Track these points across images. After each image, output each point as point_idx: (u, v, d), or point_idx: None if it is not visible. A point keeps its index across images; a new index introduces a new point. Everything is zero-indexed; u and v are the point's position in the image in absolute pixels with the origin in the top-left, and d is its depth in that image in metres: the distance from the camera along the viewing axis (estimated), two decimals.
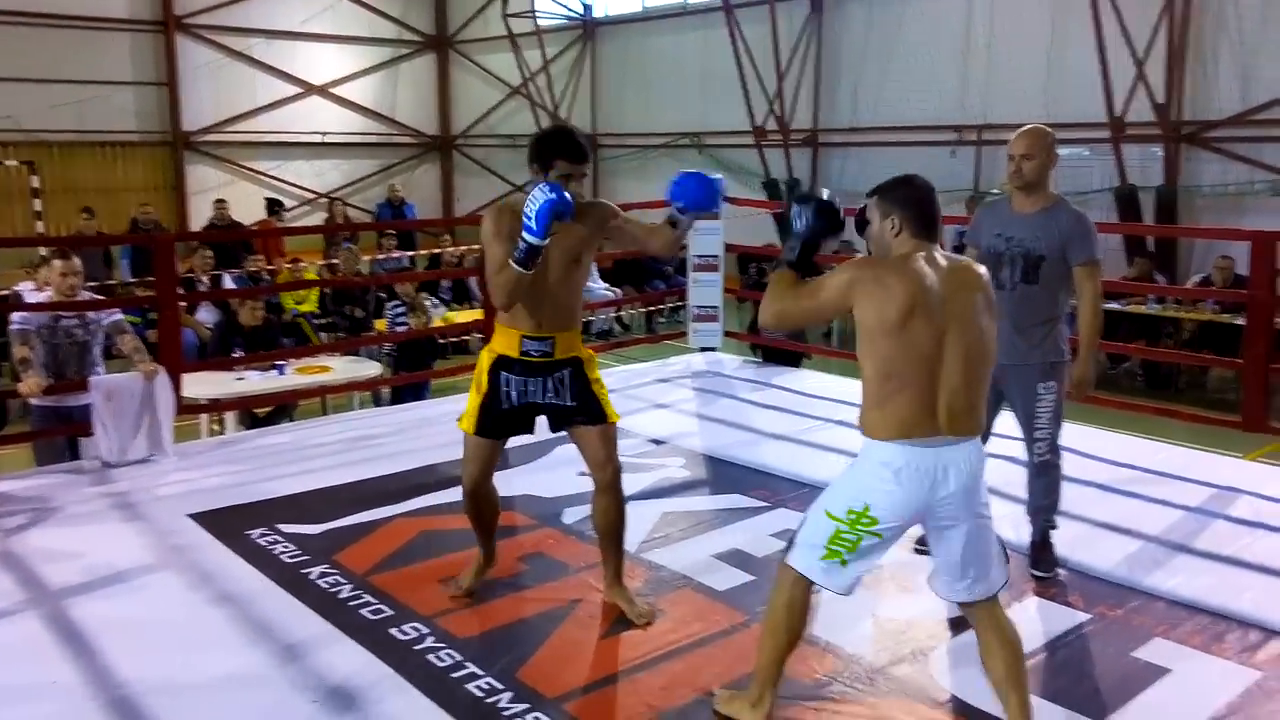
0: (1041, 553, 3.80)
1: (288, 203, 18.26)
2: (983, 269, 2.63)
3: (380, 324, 9.20)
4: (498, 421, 3.37)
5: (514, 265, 3.06)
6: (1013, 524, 4.15)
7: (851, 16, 13.95)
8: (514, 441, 5.27)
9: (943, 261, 2.56)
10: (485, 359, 3.37)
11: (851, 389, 6.45)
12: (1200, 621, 3.40)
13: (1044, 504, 3.80)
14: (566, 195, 3.00)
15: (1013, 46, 12.11)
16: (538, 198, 2.97)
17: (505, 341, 3.32)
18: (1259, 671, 3.09)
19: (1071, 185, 11.73)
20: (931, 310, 2.45)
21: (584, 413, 3.35)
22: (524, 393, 3.33)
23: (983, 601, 2.62)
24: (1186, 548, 3.99)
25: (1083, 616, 3.45)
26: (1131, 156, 11.09)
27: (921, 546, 4.01)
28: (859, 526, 2.52)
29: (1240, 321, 6.55)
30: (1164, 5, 10.50)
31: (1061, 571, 3.80)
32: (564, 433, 3.46)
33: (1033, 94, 11.85)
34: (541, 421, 3.45)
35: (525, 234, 3.01)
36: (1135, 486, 4.67)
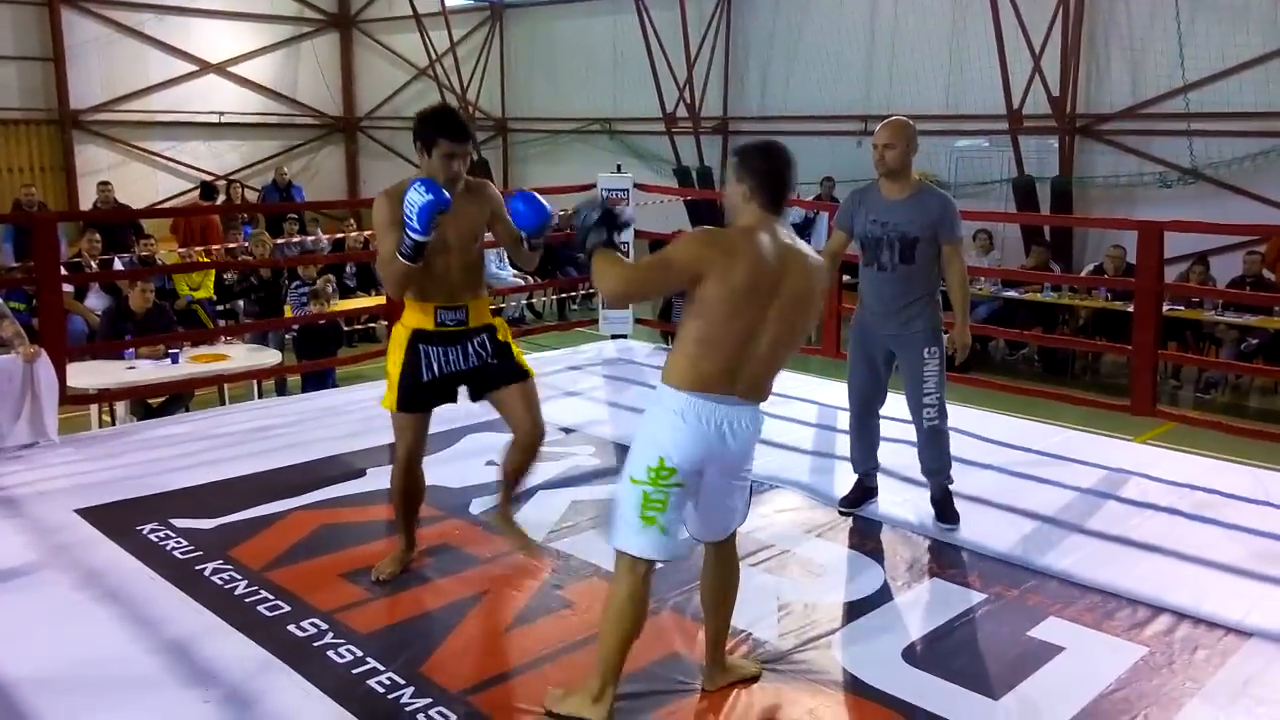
0: (944, 506, 4.10)
1: (184, 184, 17.68)
2: (817, 260, 2.69)
3: (289, 310, 8.94)
4: (420, 394, 3.41)
5: (401, 258, 3.14)
6: (914, 508, 4.25)
7: (760, 5, 14.04)
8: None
9: (785, 240, 2.64)
10: (400, 334, 3.40)
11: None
12: (1092, 600, 3.51)
13: (938, 466, 4.10)
14: (444, 192, 3.08)
15: (916, 39, 12.34)
16: (414, 199, 3.05)
17: (419, 315, 3.37)
18: (1146, 647, 3.20)
19: (971, 175, 12.04)
20: (763, 290, 2.56)
21: (504, 370, 3.47)
22: (445, 363, 3.40)
23: (723, 540, 2.84)
24: (1079, 528, 4.13)
25: (979, 596, 3.53)
26: (1029, 148, 11.41)
27: (845, 509, 4.23)
28: (661, 481, 2.58)
29: (1130, 309, 6.79)
30: (1059, 2, 10.81)
31: (964, 554, 3.89)
32: (478, 409, 3.53)
33: (935, 86, 12.11)
34: (462, 394, 3.54)
35: (408, 231, 3.09)
36: (1030, 468, 4.80)
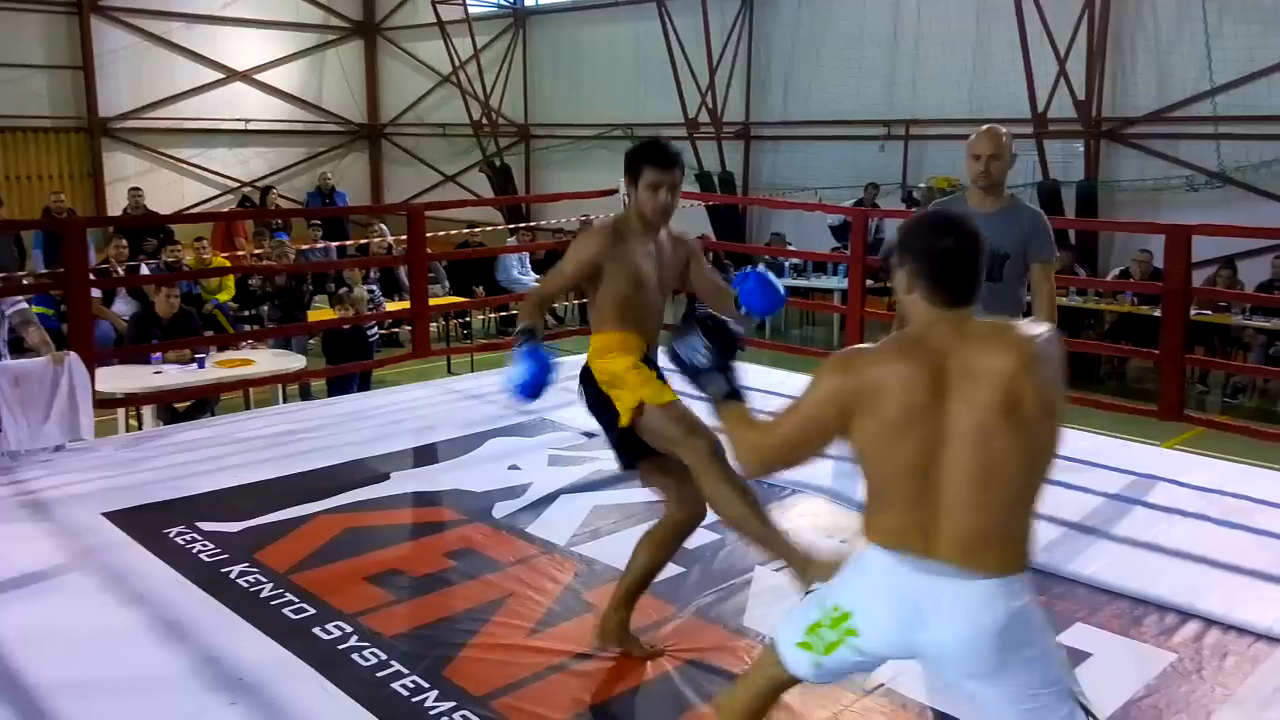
0: None
1: (210, 191, 17.85)
2: (1025, 337, 1.95)
3: (312, 314, 9.00)
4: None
5: (522, 326, 3.01)
6: None
7: (782, 10, 14.03)
8: (442, 435, 5.31)
9: (959, 337, 1.93)
10: (623, 360, 3.01)
11: (779, 379, 6.49)
12: (1120, 606, 3.48)
13: None
14: (539, 385, 2.89)
15: (939, 43, 12.29)
16: (513, 377, 2.90)
17: (637, 343, 3.05)
18: (1174, 653, 3.17)
19: None
20: (929, 410, 1.89)
21: None
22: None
23: None
24: (1106, 534, 4.09)
25: None
26: (1054, 152, 11.32)
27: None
28: (840, 629, 2.03)
29: (1157, 313, 6.73)
30: (1084, 5, 10.74)
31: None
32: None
33: (959, 90, 12.05)
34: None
35: (683, 350, 2.44)
36: (1057, 474, 4.74)
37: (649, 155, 3.00)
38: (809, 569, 2.70)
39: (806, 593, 2.14)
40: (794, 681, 2.17)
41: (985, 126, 3.77)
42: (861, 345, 2.06)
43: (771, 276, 3.08)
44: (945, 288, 1.95)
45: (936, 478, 1.90)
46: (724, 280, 3.27)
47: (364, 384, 7.99)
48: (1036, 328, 1.98)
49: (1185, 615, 3.40)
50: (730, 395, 2.19)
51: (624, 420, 2.93)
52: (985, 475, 1.88)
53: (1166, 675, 3.04)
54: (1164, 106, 10.82)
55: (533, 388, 2.91)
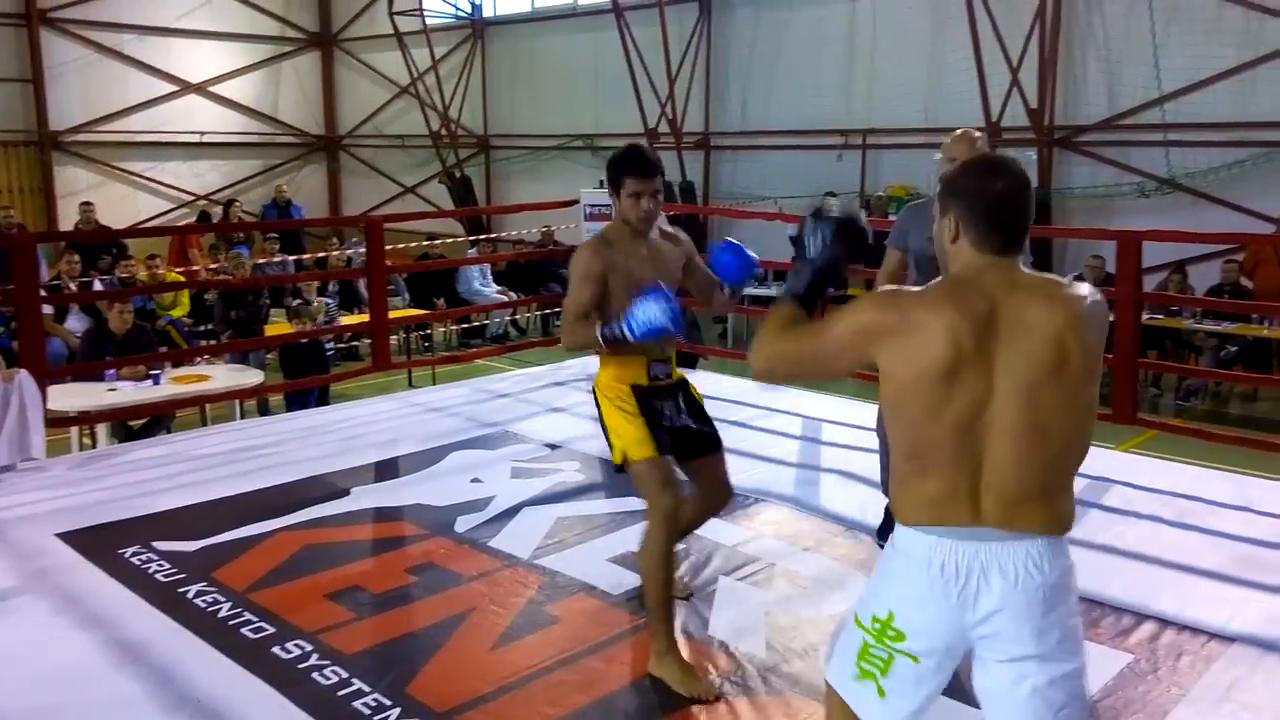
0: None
1: (164, 204, 17.62)
2: (1074, 295, 1.86)
3: (269, 329, 8.90)
4: (666, 439, 3.08)
5: (599, 338, 2.99)
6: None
7: (739, 20, 14.13)
8: (404, 449, 5.28)
9: (1008, 285, 1.85)
10: (617, 389, 3.09)
11: (746, 389, 6.52)
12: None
13: None
14: (679, 318, 2.91)
15: (895, 54, 12.44)
16: (652, 315, 2.87)
17: (632, 370, 3.11)
18: (1131, 654, 3.21)
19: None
20: (972, 363, 1.80)
21: (705, 437, 3.22)
22: (665, 416, 3.12)
23: None
24: None
25: None
26: None
27: (882, 540, 3.99)
28: (886, 640, 1.89)
29: (1110, 318, 6.84)
30: (1035, 15, 10.92)
31: None
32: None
33: (914, 100, 12.20)
34: None
35: (624, 327, 2.92)
36: None
37: (629, 165, 3.06)
38: (664, 661, 2.98)
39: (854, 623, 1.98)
40: None
41: (960, 130, 3.79)
42: (899, 288, 1.99)
43: (742, 246, 3.15)
44: (998, 232, 1.87)
45: (983, 436, 1.81)
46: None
47: (322, 398, 7.91)
48: (1085, 288, 1.90)
49: (1141, 616, 3.45)
50: (801, 301, 2.08)
51: (615, 460, 3.10)
52: (1033, 432, 1.80)
53: (1123, 676, 3.08)
54: (1114, 115, 11.02)
55: (669, 313, 2.90)
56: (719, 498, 3.31)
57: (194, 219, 16.18)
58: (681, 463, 3.18)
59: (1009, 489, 1.81)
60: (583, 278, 3.08)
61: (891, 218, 11.62)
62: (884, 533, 4.13)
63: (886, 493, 4.09)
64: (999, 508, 1.81)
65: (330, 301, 9.53)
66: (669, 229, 3.31)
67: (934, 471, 1.84)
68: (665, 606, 3.01)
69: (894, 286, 2.04)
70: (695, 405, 3.27)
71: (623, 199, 3.08)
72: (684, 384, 3.26)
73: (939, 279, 1.93)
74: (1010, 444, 1.80)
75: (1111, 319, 6.48)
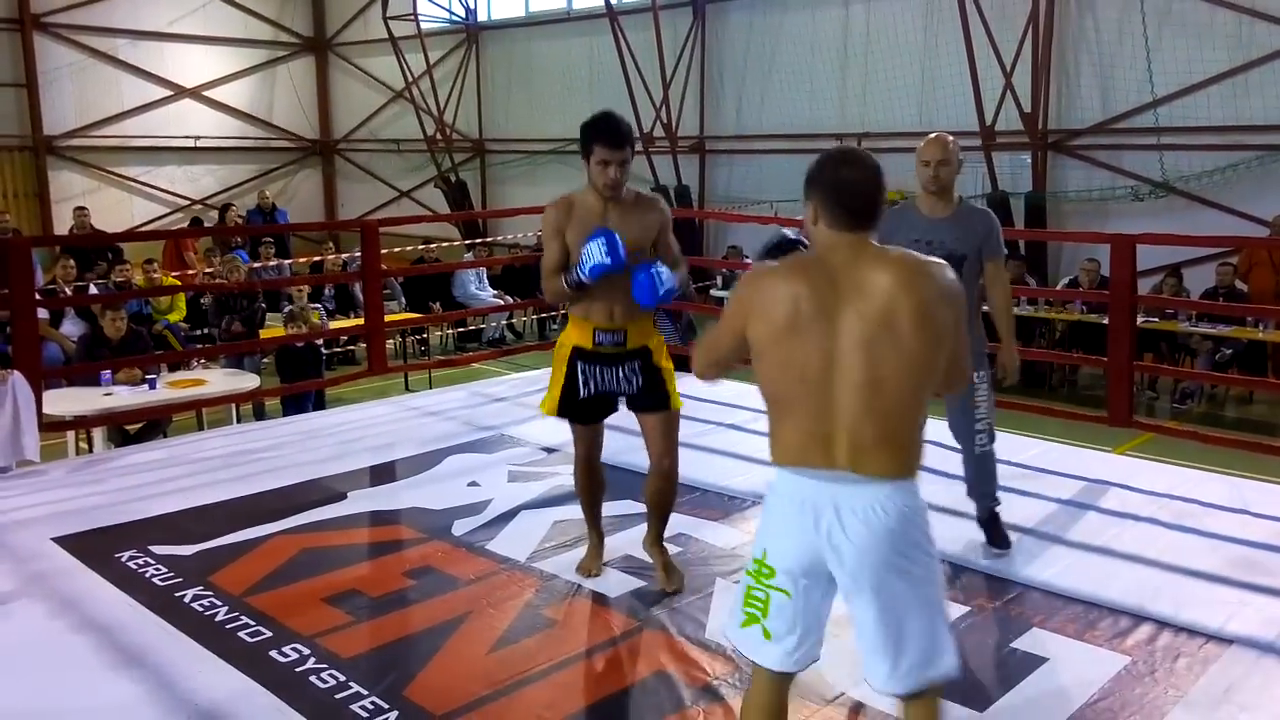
0: (995, 529, 4.01)
1: (159, 209, 17.60)
2: (912, 262, 2.13)
3: (265, 333, 8.89)
4: (578, 408, 3.56)
5: (564, 284, 3.33)
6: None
7: (733, 25, 14.16)
8: (400, 453, 5.27)
9: (854, 257, 2.11)
10: (562, 350, 3.53)
11: (743, 392, 6.52)
12: (1074, 610, 3.53)
13: (988, 489, 4.00)
14: (621, 254, 3.18)
15: (889, 57, 12.46)
16: (593, 252, 3.19)
17: (580, 333, 3.47)
18: (1128, 656, 3.22)
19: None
20: (820, 318, 2.05)
21: (649, 400, 3.51)
22: (600, 382, 3.50)
23: (916, 696, 2.15)
24: (1060, 539, 4.15)
25: (961, 609, 3.54)
26: (1002, 164, 11.52)
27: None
28: (763, 579, 2.13)
29: (1106, 321, 6.85)
30: (1029, 19, 10.96)
31: (945, 567, 3.89)
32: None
33: (908, 103, 12.23)
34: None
35: (579, 270, 3.26)
36: (1010, 481, 4.81)
37: (599, 134, 3.24)
38: (589, 556, 3.78)
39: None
40: (784, 678, 2.20)
41: (933, 134, 3.89)
42: (764, 263, 2.31)
43: (658, 274, 3.29)
44: (846, 212, 2.13)
45: (832, 388, 2.06)
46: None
47: (319, 403, 7.90)
48: (936, 263, 2.16)
49: (1138, 618, 3.46)
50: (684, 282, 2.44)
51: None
52: (873, 385, 2.04)
53: (1121, 678, 3.09)
54: (1108, 118, 11.05)
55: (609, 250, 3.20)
56: (655, 458, 3.58)
57: (186, 224, 16.16)
58: (632, 410, 3.60)
59: (855, 436, 2.05)
60: (549, 235, 3.40)
61: None
62: None
63: (975, 501, 4.08)
64: (848, 453, 2.06)
65: (318, 306, 9.49)
66: (649, 195, 3.53)
67: (791, 419, 2.11)
68: (589, 511, 3.80)
69: (754, 268, 2.29)
70: (651, 376, 3.51)
71: (591, 165, 3.26)
72: (644, 352, 3.50)
73: (818, 248, 2.20)
74: (853, 395, 2.05)
75: (1106, 322, 6.53)
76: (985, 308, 3.98)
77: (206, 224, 15.11)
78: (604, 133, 3.22)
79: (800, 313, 2.06)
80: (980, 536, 4.10)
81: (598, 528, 3.83)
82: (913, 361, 2.05)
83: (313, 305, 8.91)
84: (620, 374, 3.47)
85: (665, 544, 3.73)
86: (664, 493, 3.61)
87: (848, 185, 2.15)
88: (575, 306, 3.46)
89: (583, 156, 3.29)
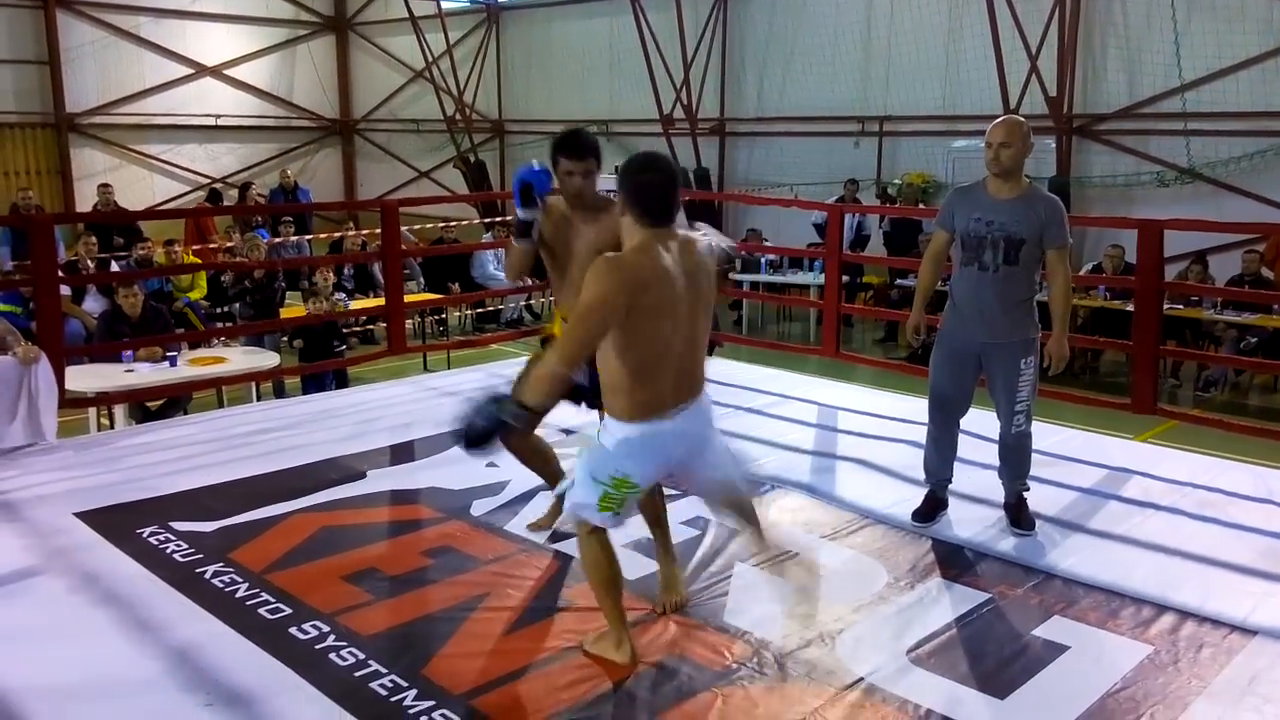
0: (1020, 513, 4.05)
1: (181, 187, 17.67)
2: (704, 241, 2.81)
3: (285, 312, 8.91)
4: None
5: (512, 239, 3.66)
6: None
7: (756, 6, 14.05)
8: (419, 433, 5.28)
9: (675, 246, 2.70)
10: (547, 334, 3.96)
11: (762, 376, 6.51)
12: (1096, 599, 3.50)
13: (1020, 472, 4.05)
14: (535, 168, 3.54)
15: (912, 40, 12.35)
16: (517, 178, 3.53)
17: (557, 326, 3.80)
18: (1151, 645, 3.19)
19: (968, 176, 11.99)
20: (674, 304, 2.65)
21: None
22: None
23: (736, 501, 3.16)
24: (1082, 527, 4.12)
25: (983, 596, 3.52)
26: None
27: (919, 523, 4.11)
28: (623, 489, 2.79)
29: (1130, 308, 6.79)
30: (1055, 3, 10.82)
31: (968, 554, 3.88)
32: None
33: (932, 87, 12.13)
34: None
35: (515, 208, 3.60)
36: (1033, 468, 4.78)
37: (564, 146, 3.58)
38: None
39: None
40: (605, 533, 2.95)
41: (1002, 117, 3.92)
42: (617, 255, 2.69)
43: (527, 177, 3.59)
44: (651, 210, 2.68)
45: (674, 349, 2.71)
46: None
47: (340, 381, 7.93)
48: (702, 240, 2.82)
49: (1161, 608, 3.43)
50: (515, 402, 2.82)
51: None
52: (694, 341, 2.78)
53: (1143, 667, 3.06)
54: (1134, 103, 10.93)
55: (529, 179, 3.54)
56: None
57: (204, 198, 16.18)
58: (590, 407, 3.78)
59: (683, 381, 2.77)
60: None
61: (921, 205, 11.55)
62: (920, 516, 4.13)
63: (929, 479, 4.12)
64: (678, 394, 2.76)
65: (342, 297, 9.50)
66: (603, 202, 3.69)
67: (650, 383, 2.70)
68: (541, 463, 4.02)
69: (613, 259, 2.65)
70: None
71: (559, 174, 3.60)
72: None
73: (635, 245, 2.68)
74: (686, 351, 2.74)
75: (1130, 308, 6.46)
76: (1041, 296, 3.98)
77: (226, 201, 15.12)
78: (568, 146, 3.56)
79: (664, 294, 2.64)
80: (1002, 524, 4.08)
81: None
82: (708, 315, 2.84)
83: (337, 297, 8.92)
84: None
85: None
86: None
87: (648, 187, 2.69)
88: (561, 299, 3.71)
89: (552, 166, 3.62)
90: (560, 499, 3.81)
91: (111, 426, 6.38)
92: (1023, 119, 3.90)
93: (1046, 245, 3.83)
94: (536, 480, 4.52)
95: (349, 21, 19.54)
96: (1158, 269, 5.51)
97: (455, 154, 17.19)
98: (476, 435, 2.77)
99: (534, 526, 4.05)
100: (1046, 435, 5.34)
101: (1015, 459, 4.03)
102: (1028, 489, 4.08)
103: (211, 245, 11.03)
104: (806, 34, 13.38)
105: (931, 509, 4.15)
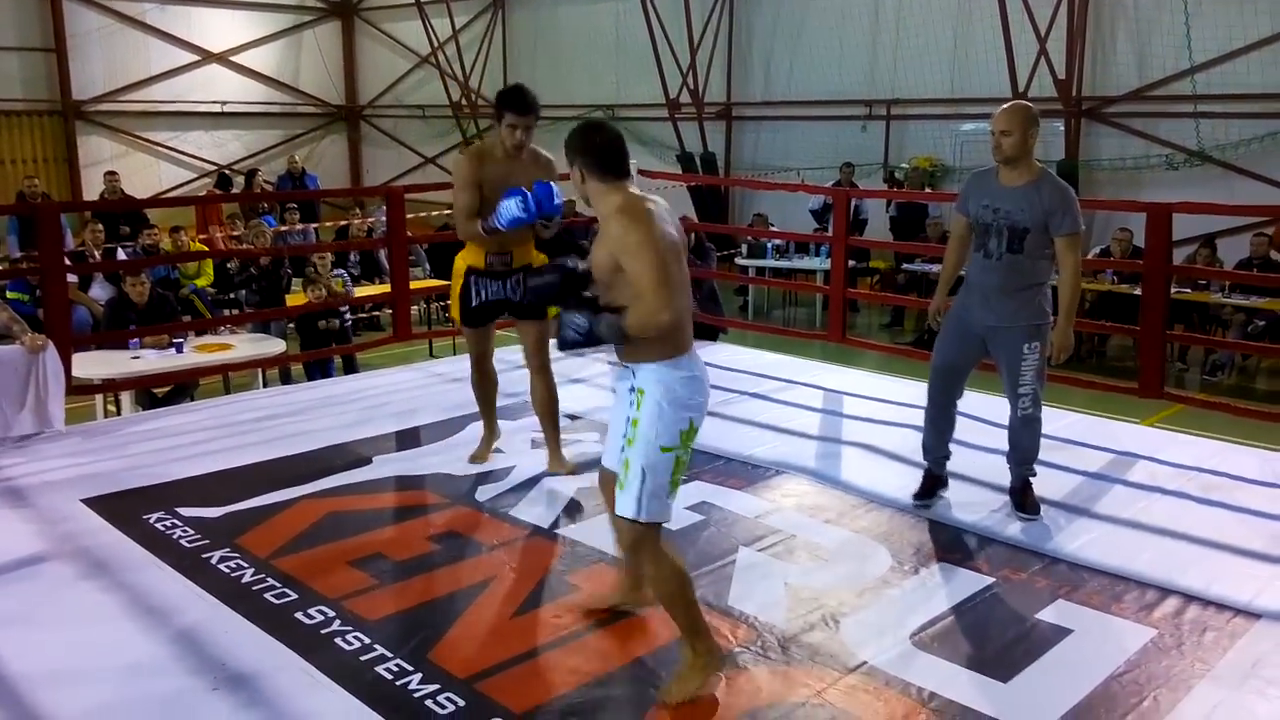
0: (1025, 497, 4.04)
1: (187, 174, 17.68)
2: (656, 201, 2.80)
3: (291, 299, 8.92)
4: (475, 314, 4.33)
5: (481, 230, 3.99)
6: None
7: None
8: (425, 419, 5.28)
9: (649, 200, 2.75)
10: (459, 265, 4.29)
11: (768, 362, 6.50)
12: (1100, 582, 3.50)
13: (1026, 455, 4.03)
14: (530, 212, 3.85)
15: (920, 22, 12.26)
16: (511, 209, 3.84)
17: (474, 254, 4.25)
18: (1155, 629, 3.19)
19: (976, 159, 11.99)
20: (675, 244, 2.72)
21: (528, 309, 4.23)
22: (489, 292, 4.28)
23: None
24: (1087, 511, 4.11)
25: (987, 580, 3.52)
26: None
27: (919, 502, 4.14)
28: (689, 443, 2.74)
29: (1138, 291, 6.75)
30: None
31: (971, 538, 3.88)
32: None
33: (940, 70, 12.05)
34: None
35: (496, 219, 3.90)
36: (1040, 453, 4.78)
37: (510, 102, 3.98)
38: (482, 445, 4.68)
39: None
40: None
41: (1009, 103, 3.91)
42: (634, 201, 2.70)
43: (551, 188, 3.93)
44: (615, 167, 2.74)
45: (682, 294, 2.71)
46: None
47: (348, 367, 7.94)
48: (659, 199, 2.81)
49: (1165, 591, 3.43)
50: (612, 321, 2.67)
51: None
52: (686, 285, 2.76)
53: (1147, 650, 3.06)
54: (1144, 85, 10.85)
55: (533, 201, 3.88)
56: (533, 359, 4.35)
57: (213, 184, 16.19)
58: (516, 320, 4.36)
59: (690, 322, 2.79)
60: (464, 184, 4.07)
61: (928, 189, 11.50)
62: (922, 496, 4.12)
63: (927, 455, 4.11)
64: (690, 335, 2.79)
65: (342, 273, 9.49)
66: (544, 154, 4.23)
67: (684, 322, 2.72)
68: (483, 407, 4.64)
69: (638, 206, 2.68)
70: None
71: (502, 126, 3.99)
72: (526, 268, 4.22)
73: (631, 196, 2.71)
74: (686, 296, 2.75)
75: (1138, 292, 6.43)
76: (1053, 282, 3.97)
77: (235, 187, 15.12)
78: (514, 102, 3.96)
79: (674, 239, 2.73)
80: (1007, 509, 4.08)
81: (491, 422, 4.63)
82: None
83: (335, 273, 8.92)
84: (506, 286, 4.26)
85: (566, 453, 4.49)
86: (542, 390, 4.36)
87: (609, 146, 2.75)
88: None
89: (495, 117, 4.03)
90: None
91: (119, 413, 6.41)
92: (1027, 104, 3.88)
93: (1054, 233, 3.79)
94: (541, 466, 4.55)
95: (355, 6, 19.48)
96: (1166, 252, 5.48)
97: (462, 140, 17.15)
98: (569, 344, 2.75)
99: (474, 458, 4.54)
100: (1053, 419, 5.30)
101: (1022, 443, 4.02)
102: (1034, 474, 4.07)
103: (218, 235, 11.04)
104: (813, 17, 13.30)
105: (930, 488, 4.17)
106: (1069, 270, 3.85)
